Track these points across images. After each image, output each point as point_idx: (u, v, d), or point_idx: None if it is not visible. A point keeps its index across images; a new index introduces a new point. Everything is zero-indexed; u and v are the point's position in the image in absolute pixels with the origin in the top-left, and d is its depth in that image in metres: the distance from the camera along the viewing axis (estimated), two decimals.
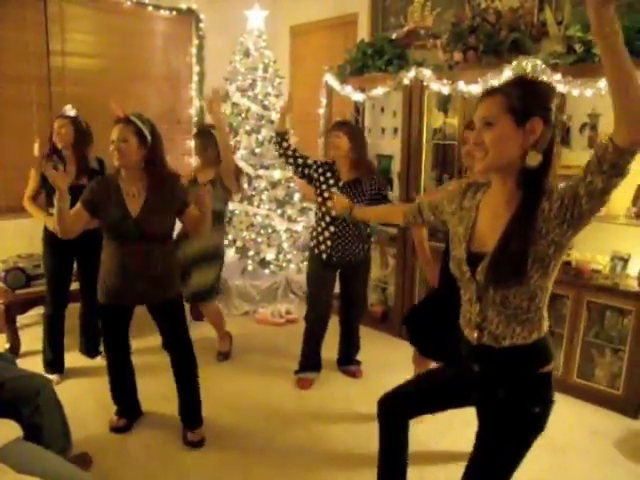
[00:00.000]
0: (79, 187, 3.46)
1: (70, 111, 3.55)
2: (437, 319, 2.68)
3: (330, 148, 3.42)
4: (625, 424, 3.25)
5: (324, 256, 3.44)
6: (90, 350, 3.90)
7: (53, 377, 3.43)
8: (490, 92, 1.61)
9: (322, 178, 3.40)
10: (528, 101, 1.54)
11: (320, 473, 2.78)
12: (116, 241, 2.76)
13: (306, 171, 3.45)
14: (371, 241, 3.60)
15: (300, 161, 3.47)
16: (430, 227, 2.94)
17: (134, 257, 2.73)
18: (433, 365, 3.00)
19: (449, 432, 3.09)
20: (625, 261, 3.41)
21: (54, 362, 3.62)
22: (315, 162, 3.47)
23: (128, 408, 3.19)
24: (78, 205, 2.72)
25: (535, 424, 1.68)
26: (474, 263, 1.65)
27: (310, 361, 3.68)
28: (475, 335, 1.70)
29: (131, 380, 3.18)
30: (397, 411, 2.08)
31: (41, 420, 2.46)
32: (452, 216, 1.81)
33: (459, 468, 1.84)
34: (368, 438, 3.06)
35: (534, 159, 1.54)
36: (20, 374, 2.58)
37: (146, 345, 3.92)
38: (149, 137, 2.67)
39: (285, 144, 3.49)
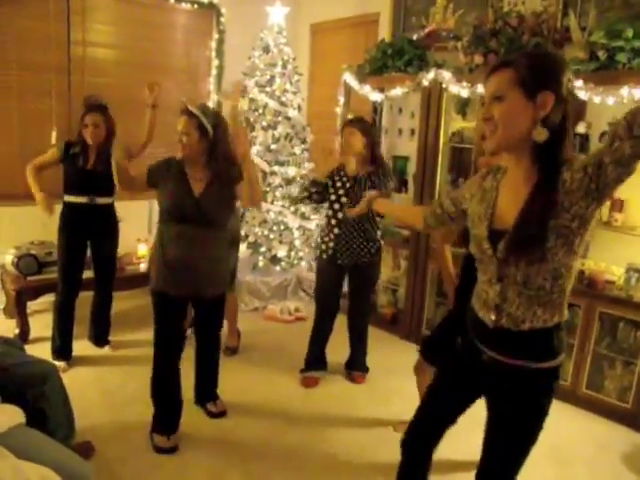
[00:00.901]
0: (95, 172, 3.50)
1: (98, 101, 3.52)
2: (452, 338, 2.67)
3: (344, 144, 3.40)
4: (633, 439, 3.20)
5: (329, 255, 3.48)
6: (99, 339, 3.92)
7: (60, 364, 3.45)
8: (499, 66, 1.55)
9: (330, 182, 3.43)
10: (538, 74, 1.49)
11: (318, 477, 2.77)
12: (174, 224, 2.76)
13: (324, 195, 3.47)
14: (381, 243, 3.55)
15: (318, 197, 3.47)
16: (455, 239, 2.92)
17: (191, 237, 2.74)
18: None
19: (453, 439, 3.05)
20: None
21: (62, 349, 3.65)
22: (326, 181, 3.44)
23: (174, 423, 2.96)
24: (144, 170, 2.80)
25: (544, 407, 1.70)
26: (495, 240, 1.60)
27: (315, 359, 3.67)
28: (493, 317, 1.64)
29: (179, 390, 2.98)
30: (420, 448, 2.01)
31: (46, 406, 2.47)
32: (472, 199, 1.76)
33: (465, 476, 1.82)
34: (368, 443, 3.07)
35: (542, 134, 1.48)
36: (27, 359, 2.59)
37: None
38: (211, 130, 2.69)
39: (315, 196, 3.47)
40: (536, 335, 1.60)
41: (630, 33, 3.09)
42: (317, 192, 3.44)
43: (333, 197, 3.42)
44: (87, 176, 3.51)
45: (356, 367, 3.76)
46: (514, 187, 1.61)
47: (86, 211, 3.57)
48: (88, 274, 3.78)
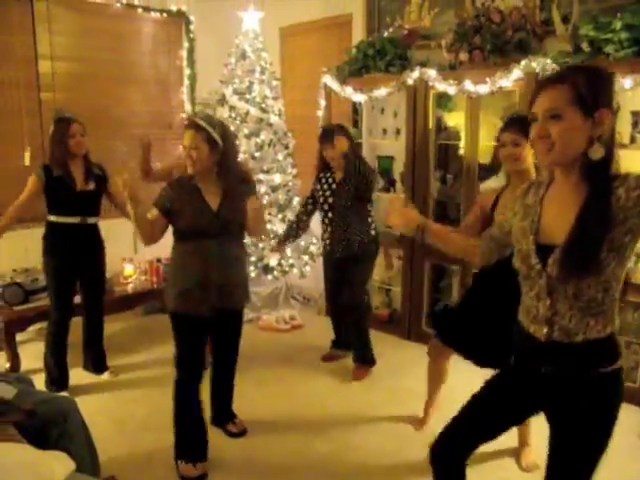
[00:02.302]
0: (87, 193, 3.38)
1: (66, 113, 3.41)
2: (474, 317, 2.69)
3: (327, 159, 3.67)
4: None
5: (327, 252, 3.79)
6: (97, 367, 3.75)
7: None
8: (553, 81, 1.54)
9: (318, 186, 3.75)
10: (596, 91, 1.49)
11: None
12: (193, 240, 2.68)
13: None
14: (375, 235, 3.74)
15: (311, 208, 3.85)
16: None
17: (212, 255, 2.66)
18: (449, 358, 2.99)
19: None
20: (637, 256, 3.46)
21: (60, 379, 3.48)
22: (314, 188, 3.79)
23: (201, 449, 2.83)
24: (156, 212, 2.65)
25: (612, 414, 1.67)
26: (543, 256, 1.60)
27: (336, 342, 4.07)
28: (545, 331, 1.63)
29: (202, 414, 2.87)
30: (453, 459, 1.93)
31: (70, 444, 2.35)
32: (514, 216, 1.76)
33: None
34: (392, 444, 3.06)
35: (598, 152, 1.49)
36: (46, 397, 2.45)
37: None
38: (220, 142, 2.61)
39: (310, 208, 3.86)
40: (591, 345, 1.60)
41: (618, 25, 3.18)
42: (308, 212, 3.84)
43: (322, 200, 3.72)
44: (78, 197, 3.39)
45: (356, 359, 3.83)
46: (561, 202, 1.61)
47: (75, 232, 3.44)
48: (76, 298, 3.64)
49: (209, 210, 2.67)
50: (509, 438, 2.91)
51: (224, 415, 3.14)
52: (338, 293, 3.79)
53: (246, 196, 2.74)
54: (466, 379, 3.29)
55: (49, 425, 2.29)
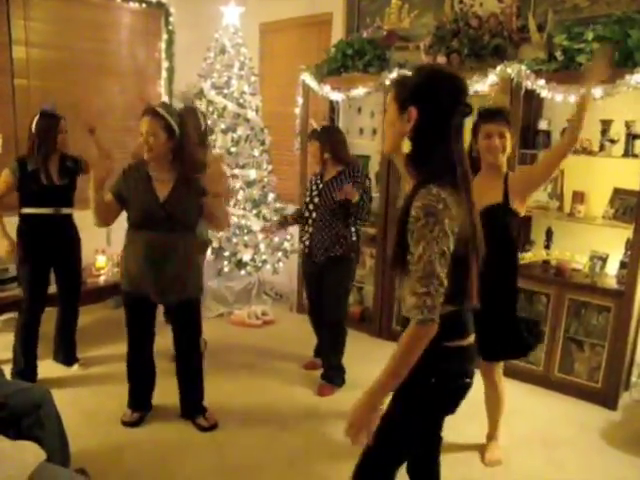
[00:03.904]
0: (60, 187, 3.35)
1: (50, 106, 3.38)
2: None
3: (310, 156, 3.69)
4: (606, 415, 3.40)
5: (306, 254, 3.61)
6: (67, 358, 3.71)
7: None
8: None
9: (308, 184, 3.68)
10: (409, 89, 1.58)
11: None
12: (142, 229, 2.76)
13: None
14: (355, 241, 3.53)
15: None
16: None
17: (158, 244, 2.74)
18: None
19: (446, 428, 3.14)
20: (604, 260, 3.57)
21: (27, 371, 3.44)
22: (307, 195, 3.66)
23: (142, 402, 3.16)
24: (110, 197, 2.76)
25: (432, 396, 1.70)
26: None
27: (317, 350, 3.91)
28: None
29: (151, 377, 3.16)
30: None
31: (42, 433, 2.33)
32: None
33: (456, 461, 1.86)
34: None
35: (405, 146, 1.59)
36: (18, 387, 2.43)
37: None
38: (177, 129, 2.67)
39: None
40: None
41: (590, 36, 3.27)
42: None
43: (307, 199, 3.59)
44: (51, 189, 3.36)
45: (324, 377, 3.64)
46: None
47: (49, 223, 3.41)
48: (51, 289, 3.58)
49: (156, 200, 2.73)
50: (477, 434, 3.00)
51: (193, 409, 3.15)
52: (319, 308, 3.63)
53: (201, 191, 2.82)
54: None
55: (22, 414, 2.28)
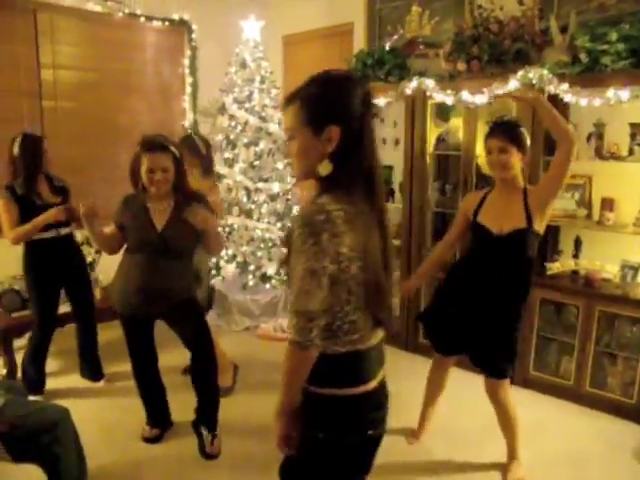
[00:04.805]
0: (54, 205, 3.37)
1: (31, 129, 3.43)
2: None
3: None
4: None
5: None
6: (93, 374, 3.77)
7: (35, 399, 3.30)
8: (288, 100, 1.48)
9: None
10: (325, 108, 1.42)
11: None
12: (138, 254, 2.77)
13: None
14: None
15: None
16: None
17: (154, 271, 2.73)
18: (448, 370, 3.01)
19: (465, 445, 3.06)
20: (635, 270, 3.41)
21: (35, 384, 3.50)
22: None
23: (159, 419, 3.17)
24: (113, 227, 2.82)
25: (324, 454, 1.48)
26: None
27: None
28: None
29: (160, 392, 3.17)
30: None
31: (60, 450, 2.38)
32: None
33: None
34: (382, 451, 3.01)
35: (324, 169, 1.42)
36: (36, 407, 2.47)
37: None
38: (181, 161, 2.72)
39: None
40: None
41: (614, 36, 3.14)
42: None
43: None
44: (46, 211, 3.34)
45: None
46: None
47: (52, 246, 3.43)
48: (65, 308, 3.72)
49: (154, 230, 2.73)
50: (498, 452, 2.90)
51: (202, 416, 3.06)
52: None
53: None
54: (466, 397, 3.30)
55: (40, 432, 2.32)
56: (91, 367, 3.78)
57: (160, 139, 2.71)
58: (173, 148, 2.69)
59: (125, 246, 2.88)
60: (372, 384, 1.49)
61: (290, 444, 1.51)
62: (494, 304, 2.63)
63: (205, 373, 3.04)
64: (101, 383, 3.76)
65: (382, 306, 1.47)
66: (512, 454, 2.85)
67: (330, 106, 1.41)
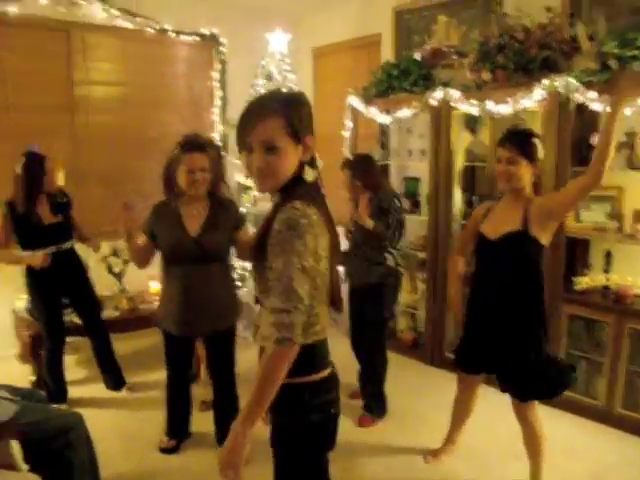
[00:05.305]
0: (55, 224, 3.44)
1: (35, 147, 3.43)
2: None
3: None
4: None
5: (347, 280, 3.51)
6: (113, 383, 3.84)
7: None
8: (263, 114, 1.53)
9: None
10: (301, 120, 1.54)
11: None
12: (175, 265, 2.76)
13: None
14: (394, 267, 3.42)
15: None
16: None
17: (194, 279, 2.71)
18: (476, 390, 2.90)
19: (485, 466, 2.95)
20: None
21: (57, 393, 3.56)
22: None
23: (179, 431, 3.17)
24: (144, 237, 2.77)
25: (316, 434, 1.65)
26: None
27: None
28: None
29: (187, 406, 3.17)
30: None
31: (72, 454, 2.40)
32: None
33: None
34: (383, 472, 2.97)
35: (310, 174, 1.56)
36: (49, 414, 2.51)
37: None
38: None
39: None
40: None
41: None
42: None
43: (346, 227, 3.53)
44: (46, 230, 3.41)
45: (365, 407, 3.53)
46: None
47: (55, 260, 3.46)
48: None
49: (187, 237, 2.70)
50: (521, 474, 2.79)
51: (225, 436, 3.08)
52: (358, 335, 3.57)
53: (232, 225, 2.80)
54: (488, 416, 3.20)
55: (53, 437, 2.35)
56: (111, 377, 3.85)
57: (199, 139, 2.72)
58: (210, 149, 2.69)
59: (161, 259, 2.85)
60: (329, 368, 1.67)
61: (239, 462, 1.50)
62: (505, 320, 2.54)
63: (228, 401, 3.04)
64: (123, 391, 3.82)
65: (338, 298, 1.69)
66: (535, 476, 2.74)
67: (306, 118, 1.55)
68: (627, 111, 3.09)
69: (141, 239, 2.76)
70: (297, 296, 1.43)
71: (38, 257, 3.35)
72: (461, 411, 2.97)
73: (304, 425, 1.62)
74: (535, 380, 2.51)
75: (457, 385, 2.95)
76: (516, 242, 2.44)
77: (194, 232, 2.71)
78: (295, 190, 1.53)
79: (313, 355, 1.60)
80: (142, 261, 2.83)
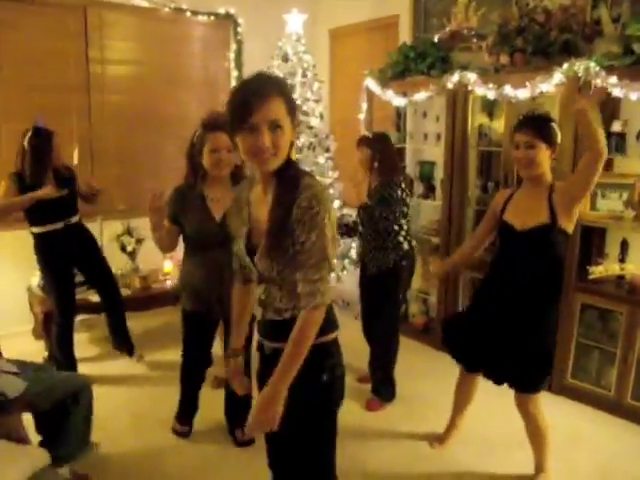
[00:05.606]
0: (62, 198, 3.44)
1: (41, 122, 3.45)
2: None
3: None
4: None
5: (360, 266, 3.58)
6: (122, 345, 3.93)
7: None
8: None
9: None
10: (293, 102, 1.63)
11: None
12: (199, 249, 2.75)
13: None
14: (407, 250, 3.37)
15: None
16: None
17: (217, 262, 2.68)
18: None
19: (491, 454, 2.95)
20: None
21: (66, 368, 3.59)
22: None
23: (191, 416, 3.15)
24: (168, 223, 2.70)
25: (326, 394, 1.72)
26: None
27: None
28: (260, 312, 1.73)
29: (197, 391, 3.13)
30: None
31: (74, 409, 2.45)
32: None
33: None
34: (390, 457, 2.98)
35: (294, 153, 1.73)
36: (58, 381, 2.55)
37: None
38: None
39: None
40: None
41: None
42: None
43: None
44: (53, 204, 3.41)
45: (373, 390, 3.54)
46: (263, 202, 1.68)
47: (62, 236, 3.51)
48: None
49: (212, 220, 2.68)
50: (526, 463, 2.78)
51: (237, 420, 3.04)
52: (369, 320, 3.56)
53: None
54: (494, 403, 3.19)
55: (60, 402, 2.42)
56: (122, 341, 3.93)
57: (223, 118, 2.69)
58: None
59: (184, 242, 2.82)
60: (338, 330, 1.76)
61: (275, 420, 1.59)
62: (520, 311, 2.51)
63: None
64: (134, 359, 3.92)
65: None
66: (540, 467, 2.73)
67: (294, 100, 1.66)
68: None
69: (166, 225, 2.71)
70: (328, 264, 1.55)
71: (46, 189, 3.29)
72: (461, 399, 2.97)
73: (315, 386, 1.68)
74: (537, 369, 2.51)
75: (458, 376, 2.95)
76: (545, 235, 2.42)
77: (219, 216, 2.69)
78: (293, 168, 1.61)
79: (331, 315, 1.69)
80: (169, 247, 2.80)
